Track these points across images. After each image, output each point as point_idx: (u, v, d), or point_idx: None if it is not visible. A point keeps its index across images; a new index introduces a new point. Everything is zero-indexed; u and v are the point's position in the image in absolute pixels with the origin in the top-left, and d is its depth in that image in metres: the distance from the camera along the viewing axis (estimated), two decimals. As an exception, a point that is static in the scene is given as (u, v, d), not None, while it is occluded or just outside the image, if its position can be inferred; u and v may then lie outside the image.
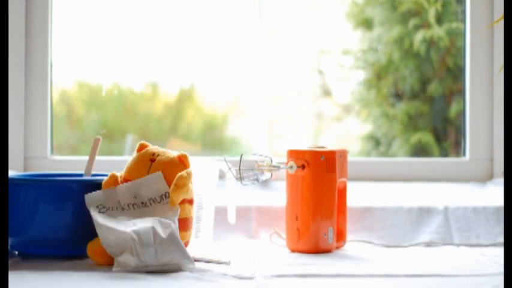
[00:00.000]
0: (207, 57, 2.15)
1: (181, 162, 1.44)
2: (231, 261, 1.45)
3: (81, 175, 1.60)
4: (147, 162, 1.45)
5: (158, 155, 1.46)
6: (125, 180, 1.45)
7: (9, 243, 1.50)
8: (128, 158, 1.50)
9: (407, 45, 2.27)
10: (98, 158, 2.09)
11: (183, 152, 1.46)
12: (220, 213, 1.68)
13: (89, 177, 1.56)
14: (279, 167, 1.61)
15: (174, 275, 1.34)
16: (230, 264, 1.43)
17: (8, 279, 1.23)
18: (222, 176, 1.60)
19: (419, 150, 2.26)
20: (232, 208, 1.62)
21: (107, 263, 1.40)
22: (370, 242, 1.73)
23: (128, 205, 1.42)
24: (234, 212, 1.62)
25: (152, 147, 1.48)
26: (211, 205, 1.59)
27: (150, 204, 1.42)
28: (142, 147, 1.48)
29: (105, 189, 1.44)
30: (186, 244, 1.46)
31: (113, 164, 1.99)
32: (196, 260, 1.47)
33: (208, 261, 1.46)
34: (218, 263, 1.44)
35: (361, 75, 2.34)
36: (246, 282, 1.30)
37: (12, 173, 1.81)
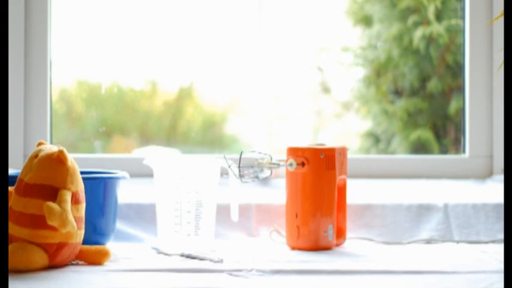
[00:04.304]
0: (206, 55, 2.15)
1: (58, 159, 1.40)
2: (223, 259, 1.45)
3: (81, 172, 1.59)
4: (32, 159, 1.43)
5: (41, 151, 1.44)
6: (20, 180, 1.42)
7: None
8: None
9: (406, 42, 2.27)
10: (98, 155, 2.11)
11: (61, 147, 1.42)
12: (219, 210, 1.69)
13: (88, 175, 1.56)
14: (278, 165, 1.61)
15: (172, 273, 1.35)
16: (222, 262, 1.43)
17: (8, 276, 1.24)
18: (224, 173, 1.60)
19: (419, 147, 2.26)
20: (235, 206, 1.62)
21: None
22: (370, 239, 1.73)
23: None
24: (237, 209, 1.63)
25: (43, 146, 1.45)
26: (212, 203, 1.59)
27: None
28: (39, 144, 1.47)
29: None
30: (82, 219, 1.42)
31: (113, 161, 2.00)
32: (189, 258, 1.48)
33: (201, 259, 1.46)
34: (210, 261, 1.44)
35: (361, 72, 2.34)
36: (244, 279, 1.30)
37: (12, 170, 1.81)
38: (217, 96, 2.22)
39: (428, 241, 1.73)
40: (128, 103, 2.20)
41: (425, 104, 2.27)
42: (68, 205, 1.37)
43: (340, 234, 1.66)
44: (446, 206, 1.80)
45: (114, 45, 2.15)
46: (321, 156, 1.59)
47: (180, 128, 2.22)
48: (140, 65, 2.16)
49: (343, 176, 1.65)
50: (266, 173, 1.62)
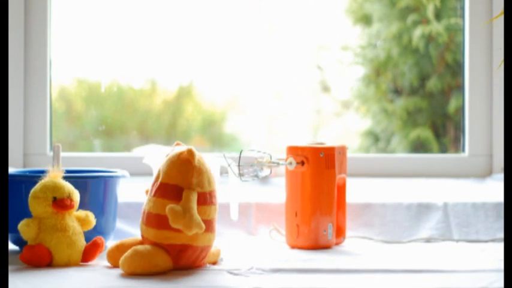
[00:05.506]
0: (206, 53, 2.14)
1: (185, 158, 1.35)
2: (223, 258, 1.45)
3: (81, 171, 1.60)
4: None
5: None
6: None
7: (9, 239, 1.50)
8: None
9: (406, 41, 2.27)
10: (98, 154, 2.11)
11: (190, 147, 1.37)
12: (219, 209, 1.68)
13: (88, 174, 1.56)
14: (278, 164, 1.61)
15: (171, 271, 1.35)
16: (222, 261, 1.43)
17: (8, 275, 1.24)
18: (223, 172, 1.60)
19: (419, 146, 2.26)
20: (234, 204, 1.62)
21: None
22: (370, 238, 1.73)
23: None
24: (236, 208, 1.62)
25: (178, 146, 1.41)
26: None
27: None
28: (176, 145, 1.42)
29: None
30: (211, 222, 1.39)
31: (113, 160, 2.00)
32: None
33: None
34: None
35: (360, 71, 2.34)
36: (244, 278, 1.30)
37: (12, 169, 1.81)
38: (217, 95, 2.22)
39: (428, 240, 1.73)
40: (127, 102, 2.20)
41: (425, 103, 2.27)
42: (193, 205, 1.32)
43: (340, 233, 1.66)
44: (445, 205, 1.80)
45: (114, 44, 2.14)
46: (321, 155, 1.59)
47: (180, 127, 2.22)
48: (140, 63, 2.16)
49: (342, 175, 1.65)
50: (266, 171, 1.62)
